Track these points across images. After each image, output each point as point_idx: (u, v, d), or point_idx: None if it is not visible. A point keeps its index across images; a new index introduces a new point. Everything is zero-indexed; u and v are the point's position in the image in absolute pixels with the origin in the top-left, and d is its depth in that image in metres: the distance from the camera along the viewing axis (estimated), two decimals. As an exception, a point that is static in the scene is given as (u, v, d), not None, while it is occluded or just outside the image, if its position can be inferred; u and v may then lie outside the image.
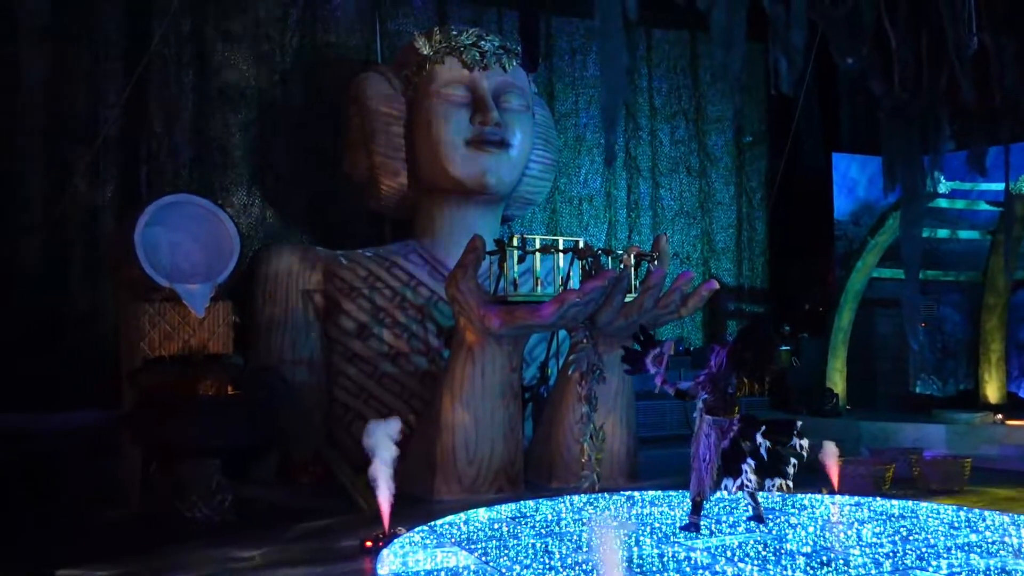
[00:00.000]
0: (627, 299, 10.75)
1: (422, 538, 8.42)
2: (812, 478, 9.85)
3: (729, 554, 7.52)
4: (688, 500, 8.68)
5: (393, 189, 13.30)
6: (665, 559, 7.40)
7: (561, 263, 11.35)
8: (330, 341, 12.47)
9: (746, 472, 8.11)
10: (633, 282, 11.08)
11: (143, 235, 10.29)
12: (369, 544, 8.23)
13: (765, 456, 8.12)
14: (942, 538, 7.92)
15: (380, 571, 7.19)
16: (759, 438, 8.18)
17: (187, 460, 9.94)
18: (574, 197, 16.73)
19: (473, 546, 8.03)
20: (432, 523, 9.04)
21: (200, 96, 14.02)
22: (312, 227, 14.53)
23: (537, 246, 11.28)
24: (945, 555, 7.28)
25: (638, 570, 6.93)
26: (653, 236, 14.99)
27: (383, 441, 8.51)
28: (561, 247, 11.34)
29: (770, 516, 8.88)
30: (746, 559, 7.33)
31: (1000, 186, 14.78)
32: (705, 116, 17.92)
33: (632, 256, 11.28)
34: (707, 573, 6.90)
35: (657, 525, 8.75)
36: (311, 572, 7.68)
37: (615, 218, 17.10)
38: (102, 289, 12.92)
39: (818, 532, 8.32)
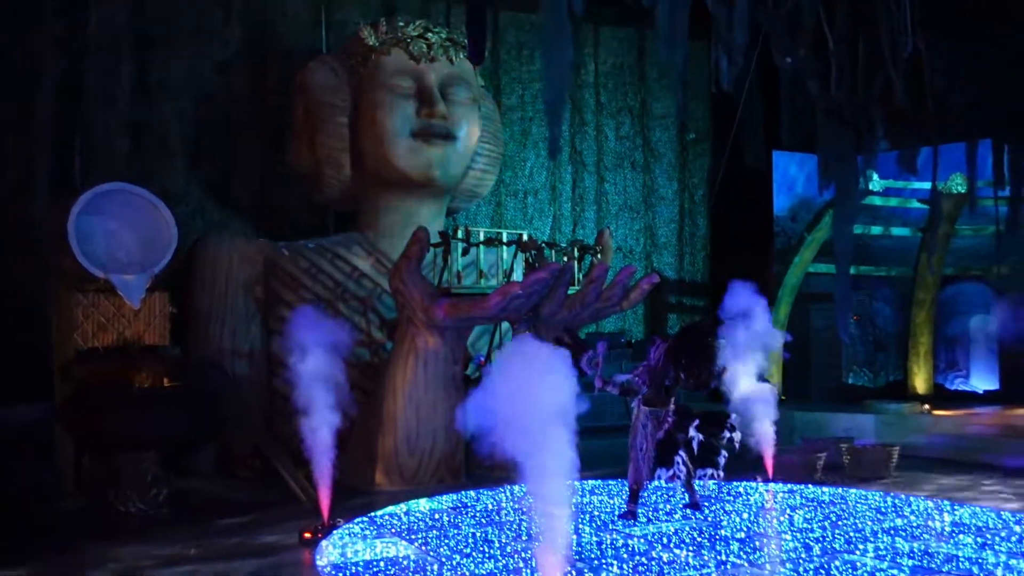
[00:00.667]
0: (570, 292, 10.86)
1: (362, 529, 8.43)
2: (747, 466, 10.09)
3: (665, 540, 7.67)
4: (626, 489, 8.84)
5: (337, 180, 13.20)
6: (604, 546, 7.52)
7: (505, 256, 11.41)
8: (270, 333, 12.35)
9: (679, 463, 8.35)
10: (576, 275, 11.19)
11: (77, 224, 10.06)
12: (308, 536, 8.19)
13: (697, 449, 8.34)
14: (869, 523, 8.19)
15: (319, 562, 7.18)
16: (692, 431, 8.38)
17: (122, 453, 9.77)
18: (519, 190, 16.79)
19: (413, 536, 8.07)
20: (372, 514, 9.05)
21: (139, 84, 13.72)
22: (254, 218, 14.33)
23: (481, 239, 11.33)
24: (872, 539, 7.54)
25: (577, 558, 7.04)
26: (597, 230, 15.16)
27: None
28: (505, 240, 11.40)
29: (706, 503, 9.08)
30: (682, 545, 7.49)
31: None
32: (650, 112, 18.12)
33: (576, 250, 11.39)
34: (644, 559, 7.04)
35: (596, 513, 8.89)
36: (248, 565, 7.62)
37: (560, 212, 17.21)
38: (35, 279, 12.59)
39: (752, 518, 8.53)
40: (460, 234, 11.08)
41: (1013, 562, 6.62)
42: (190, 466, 11.38)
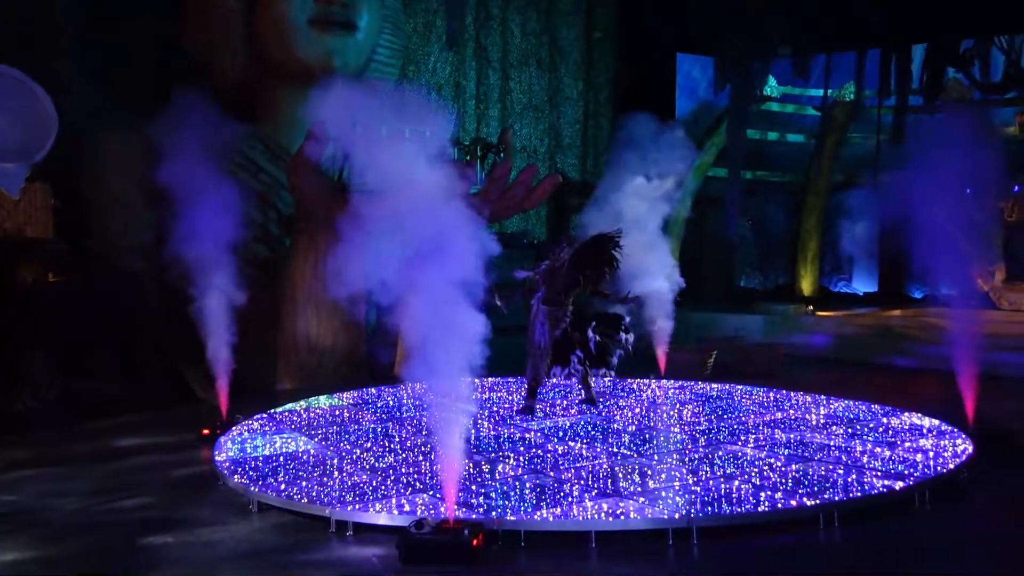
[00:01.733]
0: (472, 191, 10.80)
1: (261, 425, 8.42)
2: (641, 363, 10.46)
3: (560, 434, 7.95)
4: (524, 385, 9.07)
5: (232, 69, 12.58)
6: (501, 440, 7.75)
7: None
8: (164, 227, 11.89)
9: (574, 362, 8.61)
10: (479, 174, 11.12)
11: (-55, 108, 9.35)
12: (207, 432, 8.16)
13: (593, 348, 8.58)
14: (752, 416, 8.67)
15: (218, 458, 7.17)
16: (589, 332, 8.60)
17: (9, 352, 9.40)
18: (422, 86, 16.40)
19: (313, 432, 8.12)
20: (272, 410, 9.04)
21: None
22: (145, 106, 13.55)
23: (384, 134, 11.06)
24: (753, 431, 7.99)
25: (475, 450, 7.23)
26: (501, 129, 15.01)
27: None
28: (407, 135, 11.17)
29: (601, 399, 9.42)
30: (576, 438, 7.79)
31: (830, 92, 15.67)
32: (557, 9, 17.81)
33: (478, 148, 11.29)
34: (539, 451, 7.29)
35: (495, 409, 9.11)
36: (146, 462, 7.56)
37: (463, 109, 16.94)
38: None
39: (643, 413, 8.90)
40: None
41: (878, 450, 7.15)
42: (83, 363, 11.04)
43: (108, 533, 5.81)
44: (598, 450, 7.33)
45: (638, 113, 10.23)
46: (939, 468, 6.59)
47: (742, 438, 7.70)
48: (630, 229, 9.20)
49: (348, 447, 7.51)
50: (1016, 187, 14.64)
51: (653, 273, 10.37)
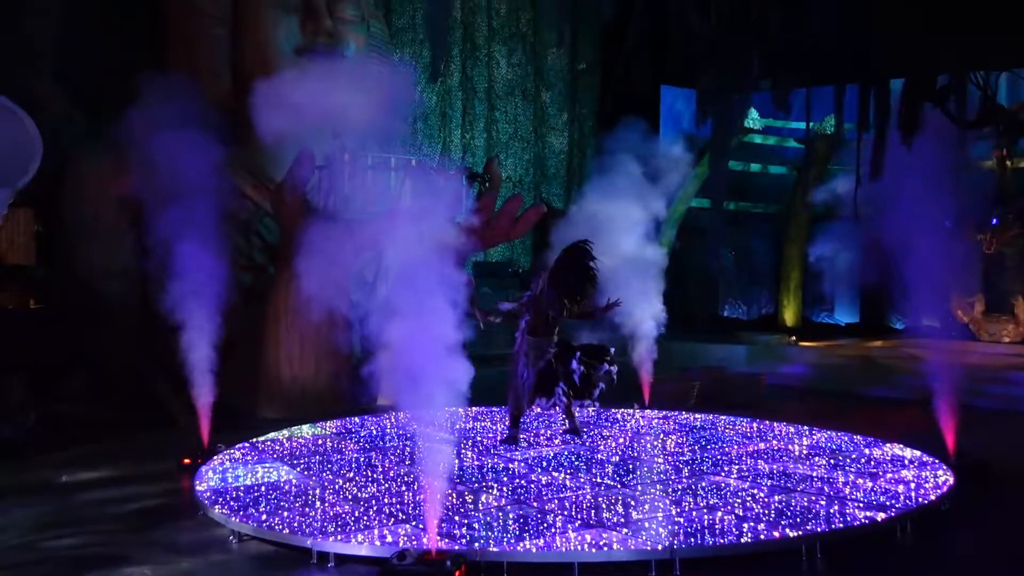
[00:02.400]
0: (457, 220, 10.82)
1: (243, 455, 8.35)
2: (625, 393, 10.46)
3: (544, 464, 7.93)
4: (507, 415, 9.05)
5: (216, 94, 12.60)
6: (485, 470, 7.71)
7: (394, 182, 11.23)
8: (146, 251, 11.83)
9: (559, 394, 8.60)
10: (464, 203, 11.14)
11: (-72, 133, 9.30)
12: (187, 461, 8.06)
13: (578, 381, 8.57)
14: (735, 446, 8.67)
15: (198, 488, 7.09)
16: (573, 364, 8.59)
17: (-13, 378, 9.31)
18: (408, 114, 16.48)
19: (296, 461, 8.05)
20: (254, 439, 8.96)
21: (-4, -21, 12.62)
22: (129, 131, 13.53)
23: (368, 164, 11.11)
24: (736, 461, 8.00)
25: (459, 480, 7.19)
26: (486, 158, 15.10)
27: None
28: (393, 164, 11.22)
29: (585, 429, 9.40)
30: (559, 468, 7.76)
31: (812, 125, 15.86)
32: (542, 41, 18.01)
33: (464, 178, 11.32)
34: (523, 482, 7.26)
35: (479, 439, 9.08)
36: (125, 492, 7.47)
37: (449, 138, 17.04)
38: None
39: (627, 443, 8.89)
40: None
41: (860, 481, 7.17)
42: (61, 390, 10.93)
43: (66, 566, 5.72)
44: (581, 480, 7.31)
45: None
46: (921, 499, 6.62)
47: (725, 469, 7.71)
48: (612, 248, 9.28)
49: (330, 477, 7.46)
50: (994, 219, 14.84)
51: (638, 299, 10.42)
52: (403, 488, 7.03)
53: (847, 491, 6.87)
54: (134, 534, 6.32)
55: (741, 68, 9.27)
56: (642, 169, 10.63)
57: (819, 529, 5.89)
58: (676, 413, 10.64)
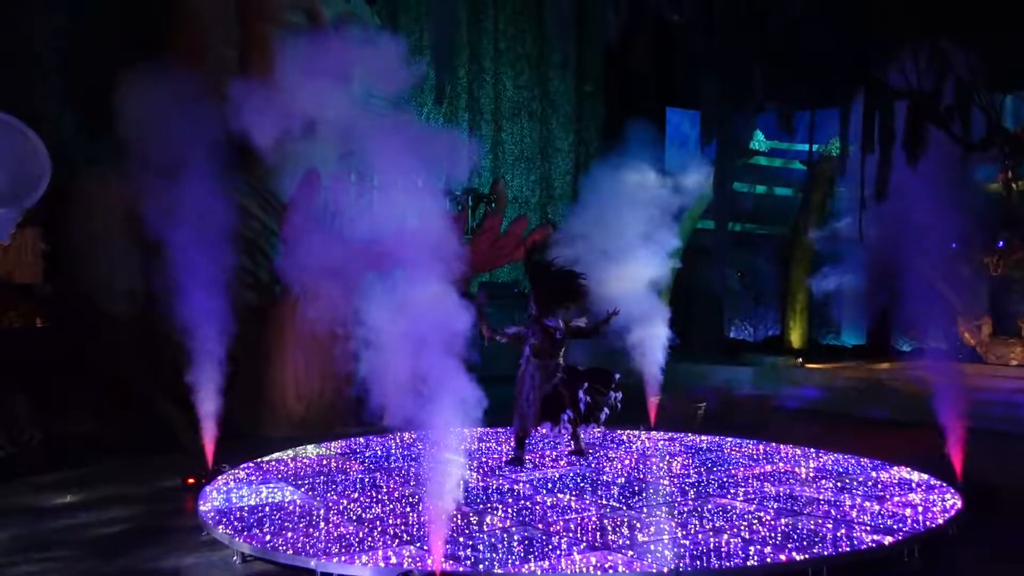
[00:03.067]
0: (464, 241, 10.87)
1: (247, 474, 8.33)
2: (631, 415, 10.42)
3: (549, 486, 7.90)
4: (513, 436, 9.03)
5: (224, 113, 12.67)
6: (489, 491, 7.69)
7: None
8: (152, 271, 11.87)
9: (564, 421, 8.63)
10: (470, 224, 11.20)
11: (-63, 153, 9.38)
12: (191, 481, 8.06)
13: (583, 408, 8.59)
14: (742, 468, 8.63)
15: (202, 508, 7.07)
16: (580, 393, 8.60)
17: (-6, 397, 9.32)
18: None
19: (300, 482, 8.03)
20: (258, 459, 8.95)
21: (5, -1, 12.73)
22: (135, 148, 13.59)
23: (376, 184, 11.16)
24: (743, 484, 7.95)
25: (463, 501, 7.16)
26: (492, 179, 15.16)
27: None
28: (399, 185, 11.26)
29: (590, 450, 9.37)
30: (565, 490, 7.73)
31: (815, 147, 15.89)
32: (548, 63, 18.13)
33: (470, 199, 11.39)
34: (528, 503, 7.23)
35: (483, 459, 9.05)
36: (128, 513, 7.45)
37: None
38: None
39: (632, 465, 8.86)
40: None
41: (867, 504, 7.12)
42: (66, 408, 10.93)
43: None
44: (587, 502, 7.27)
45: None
46: (928, 523, 6.57)
47: (731, 491, 7.67)
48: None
49: (335, 497, 7.44)
50: (1001, 242, 14.81)
51: (645, 313, 10.43)
52: (407, 509, 7.01)
53: (854, 514, 6.82)
54: (137, 554, 6.29)
55: (744, 89, 9.30)
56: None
57: (826, 552, 5.85)
58: (682, 435, 10.59)
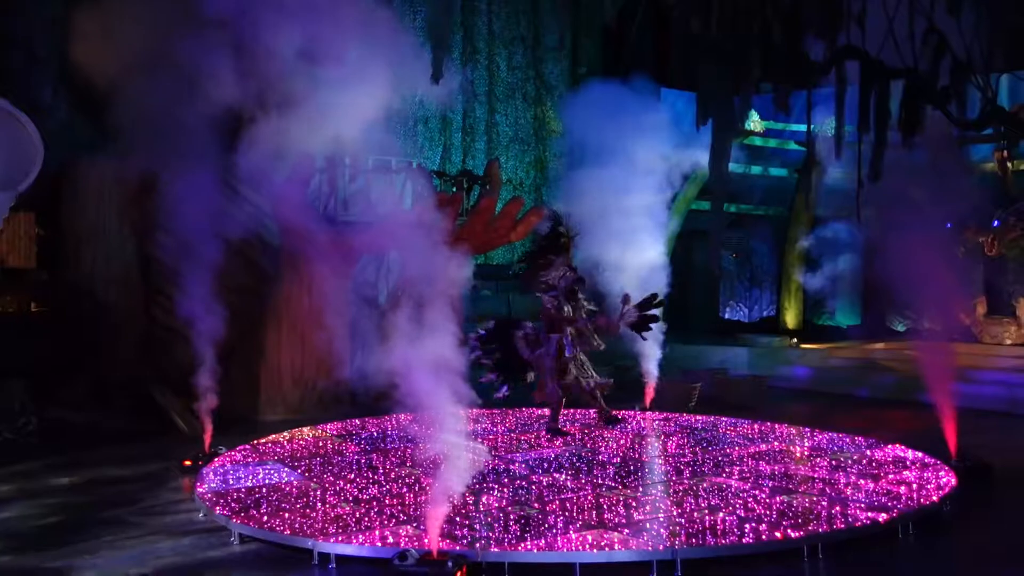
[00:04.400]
0: (459, 223, 10.86)
1: (244, 456, 8.35)
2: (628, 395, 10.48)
3: (546, 465, 7.92)
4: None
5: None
6: (486, 471, 7.69)
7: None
8: (148, 258, 11.84)
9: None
10: (465, 206, 11.18)
11: (-71, 136, 9.32)
12: (188, 463, 8.07)
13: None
14: (737, 448, 8.67)
15: (200, 489, 7.09)
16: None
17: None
18: (408, 118, 16.52)
19: (297, 463, 8.05)
20: (255, 442, 8.96)
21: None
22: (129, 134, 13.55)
23: (370, 166, 11.14)
24: (738, 463, 7.99)
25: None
26: (487, 161, 15.11)
27: None
28: (393, 167, 11.25)
29: (587, 431, 9.40)
30: (561, 469, 7.75)
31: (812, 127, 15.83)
32: (542, 44, 18.04)
33: (465, 180, 11.37)
34: (524, 483, 7.26)
35: (480, 440, 9.06)
36: (125, 495, 7.46)
37: (450, 142, 17.05)
38: None
39: (629, 445, 8.89)
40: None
41: (862, 482, 7.16)
42: (61, 393, 10.94)
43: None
44: (583, 481, 7.30)
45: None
46: (922, 500, 6.61)
47: (727, 470, 7.70)
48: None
49: (332, 478, 7.45)
50: (996, 221, 14.81)
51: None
52: (404, 489, 7.03)
53: (849, 492, 6.86)
54: (135, 535, 6.31)
55: (740, 70, 9.28)
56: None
57: (820, 530, 5.89)
58: (677, 415, 10.63)
